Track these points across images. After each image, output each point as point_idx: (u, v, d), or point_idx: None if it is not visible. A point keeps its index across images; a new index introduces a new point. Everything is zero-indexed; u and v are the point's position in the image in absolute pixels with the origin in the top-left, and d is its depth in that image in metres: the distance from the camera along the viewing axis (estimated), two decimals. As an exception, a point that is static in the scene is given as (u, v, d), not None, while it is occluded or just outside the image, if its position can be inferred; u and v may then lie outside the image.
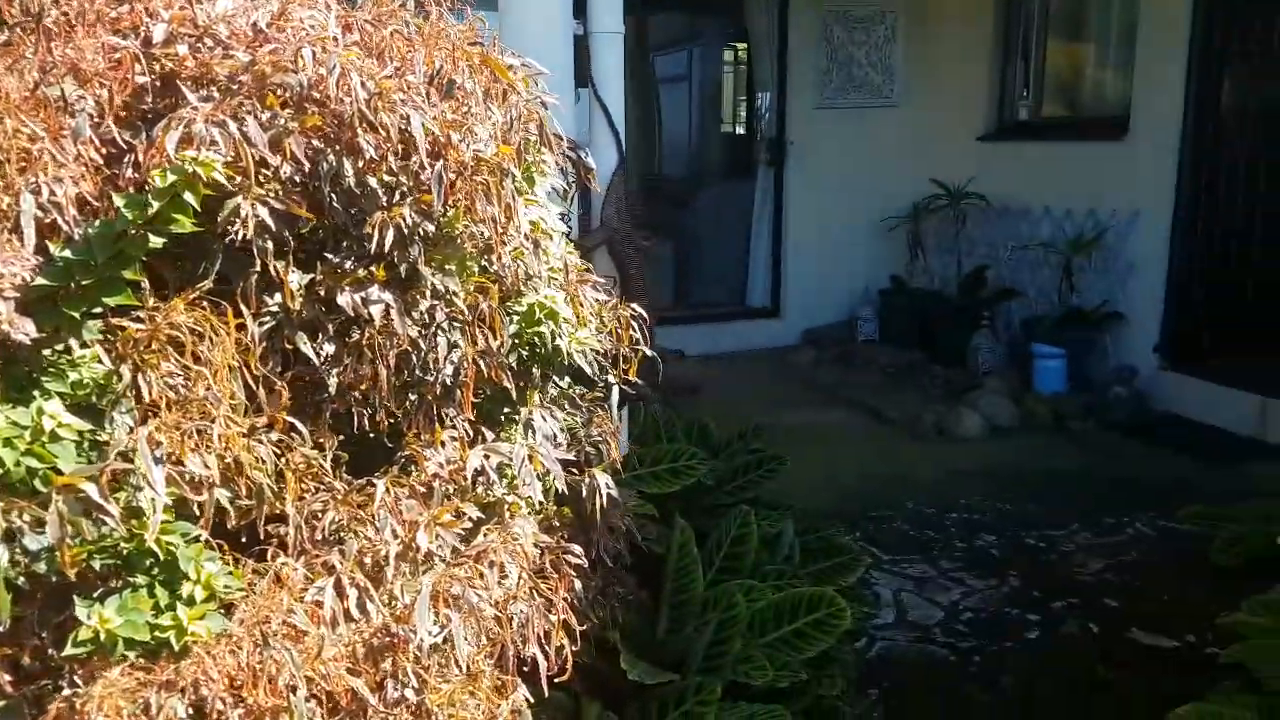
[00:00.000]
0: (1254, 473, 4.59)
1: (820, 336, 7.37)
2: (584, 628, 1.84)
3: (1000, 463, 4.85)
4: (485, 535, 1.76)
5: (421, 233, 1.70)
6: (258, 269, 1.56)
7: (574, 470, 2.08)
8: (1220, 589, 3.43)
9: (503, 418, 2.00)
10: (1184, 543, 3.78)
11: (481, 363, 1.73)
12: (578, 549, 1.85)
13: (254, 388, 1.57)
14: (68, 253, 1.36)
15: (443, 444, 1.84)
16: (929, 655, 3.13)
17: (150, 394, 1.41)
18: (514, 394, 1.93)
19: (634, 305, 2.12)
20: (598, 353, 2.13)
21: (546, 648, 1.72)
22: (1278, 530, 3.34)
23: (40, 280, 1.35)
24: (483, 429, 1.92)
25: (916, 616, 3.37)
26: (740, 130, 9.45)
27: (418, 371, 1.76)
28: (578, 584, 1.89)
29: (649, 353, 2.13)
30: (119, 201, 1.40)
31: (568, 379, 2.14)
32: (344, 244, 1.73)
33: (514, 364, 1.93)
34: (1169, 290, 5.58)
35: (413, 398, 1.80)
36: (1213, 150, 5.38)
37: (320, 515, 1.68)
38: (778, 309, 7.57)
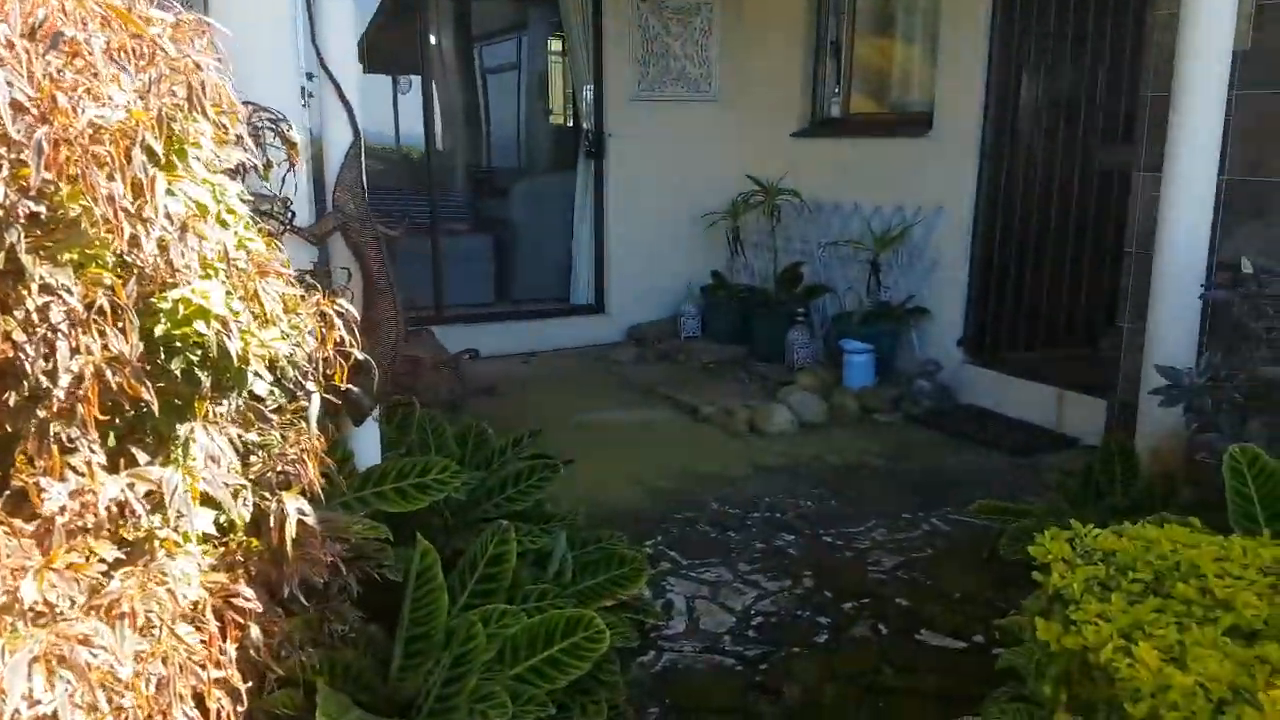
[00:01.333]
0: (1049, 464, 4.70)
1: (645, 333, 7.25)
2: (250, 684, 1.57)
3: (807, 459, 4.81)
4: (122, 580, 1.47)
5: (23, 214, 1.39)
6: None
7: (268, 495, 1.80)
8: (1008, 585, 3.44)
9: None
10: (977, 538, 3.79)
11: (110, 372, 1.43)
12: (247, 592, 1.57)
13: None
14: None
15: (76, 470, 1.53)
16: (716, 666, 2.98)
17: None
18: (174, 408, 1.63)
19: (340, 301, 1.86)
20: (304, 357, 1.86)
21: (193, 712, 1.44)
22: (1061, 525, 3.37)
23: None
24: (134, 450, 1.61)
25: (708, 625, 3.23)
26: (570, 122, 9.21)
27: (44, 382, 1.45)
28: (254, 631, 1.61)
29: (360, 355, 1.87)
30: None
31: (270, 388, 1.85)
32: (-67, 228, 1.40)
33: (178, 373, 1.63)
34: (970, 285, 5.70)
35: (41, 414, 1.48)
36: (1011, 146, 5.51)
37: (-108, 565, 1.36)
38: (602, 305, 7.40)
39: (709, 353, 6.75)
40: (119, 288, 1.41)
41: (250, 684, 1.56)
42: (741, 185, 6.87)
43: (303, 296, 1.83)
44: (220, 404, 1.69)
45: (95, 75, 1.44)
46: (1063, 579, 1.58)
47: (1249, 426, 2.83)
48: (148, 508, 1.53)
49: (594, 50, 6.97)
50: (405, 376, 2.71)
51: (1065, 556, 1.68)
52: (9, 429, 1.46)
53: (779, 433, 5.16)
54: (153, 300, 1.51)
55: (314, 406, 1.84)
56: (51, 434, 1.44)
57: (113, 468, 1.55)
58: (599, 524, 3.95)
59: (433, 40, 10.48)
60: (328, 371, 1.86)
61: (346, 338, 1.88)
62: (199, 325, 1.51)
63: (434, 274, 6.91)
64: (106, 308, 1.40)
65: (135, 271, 1.49)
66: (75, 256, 1.44)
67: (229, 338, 1.58)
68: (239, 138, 1.82)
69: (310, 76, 2.69)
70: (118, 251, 1.48)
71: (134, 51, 1.51)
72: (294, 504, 1.73)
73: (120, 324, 1.43)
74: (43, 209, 1.41)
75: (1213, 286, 3.04)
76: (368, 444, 2.62)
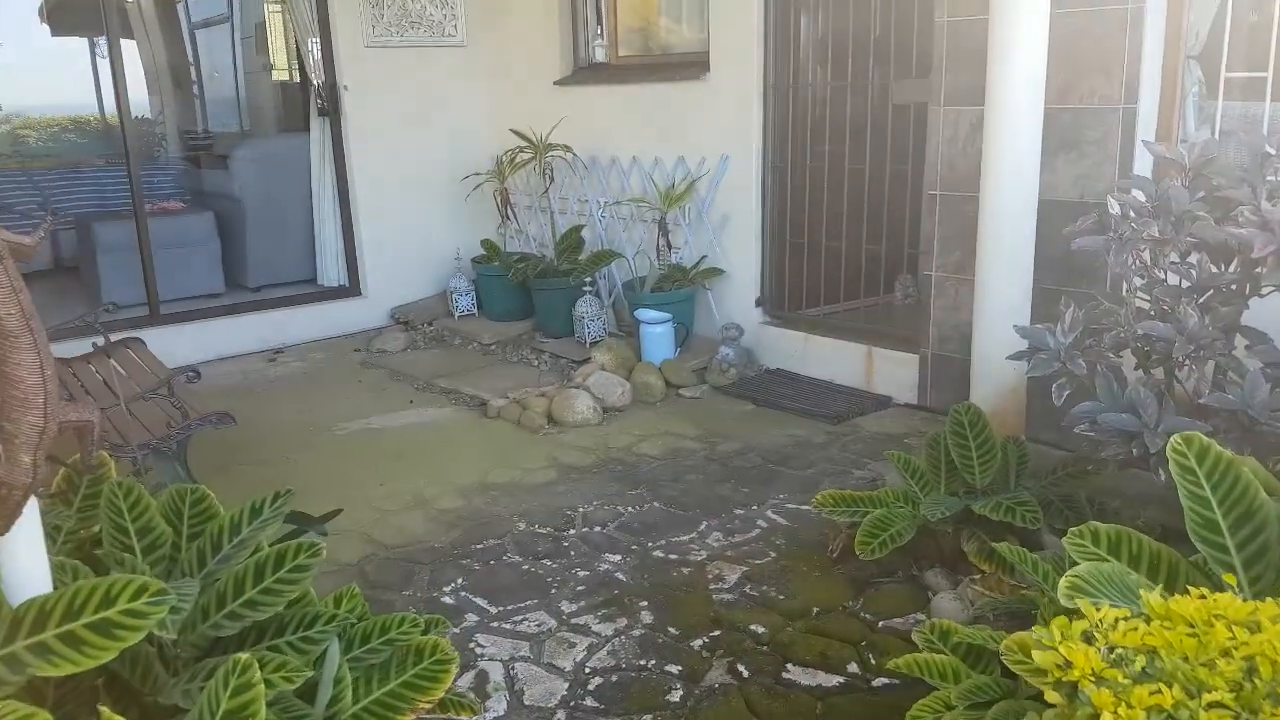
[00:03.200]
0: (869, 429, 4.37)
1: (411, 315, 6.39)
2: None
3: (618, 451, 4.22)
4: None
5: None
6: None
7: None
8: (865, 588, 3.01)
9: None
10: (819, 530, 3.34)
11: None
12: None
13: None
14: None
15: None
16: (555, 761, 2.34)
17: None
18: None
19: None
20: None
21: None
22: (921, 514, 2.96)
23: None
24: None
25: (536, 697, 2.57)
26: (297, 77, 8.06)
27: None
28: None
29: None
30: None
31: None
32: None
33: None
34: (764, 239, 5.29)
35: None
36: (796, 86, 5.10)
37: None
38: (357, 286, 6.46)
39: (489, 332, 6.00)
40: None
41: None
42: (506, 141, 6.11)
43: None
44: None
45: None
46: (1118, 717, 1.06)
47: (1133, 392, 2.48)
48: None
49: (316, -11, 5.95)
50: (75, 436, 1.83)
51: (1095, 669, 1.16)
52: None
53: (582, 422, 4.53)
54: None
55: None
56: None
57: None
58: (385, 570, 3.20)
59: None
60: None
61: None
62: None
63: (143, 265, 5.70)
64: None
65: None
66: None
67: None
68: None
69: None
70: None
71: None
72: None
73: None
74: None
75: (1079, 233, 2.67)
76: (26, 559, 1.73)
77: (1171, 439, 1.82)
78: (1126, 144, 3.66)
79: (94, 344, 4.29)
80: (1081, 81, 3.68)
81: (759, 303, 5.33)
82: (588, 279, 5.61)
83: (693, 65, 5.43)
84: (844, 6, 4.92)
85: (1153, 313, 2.59)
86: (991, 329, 3.45)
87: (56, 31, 9.74)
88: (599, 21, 6.06)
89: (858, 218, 4.98)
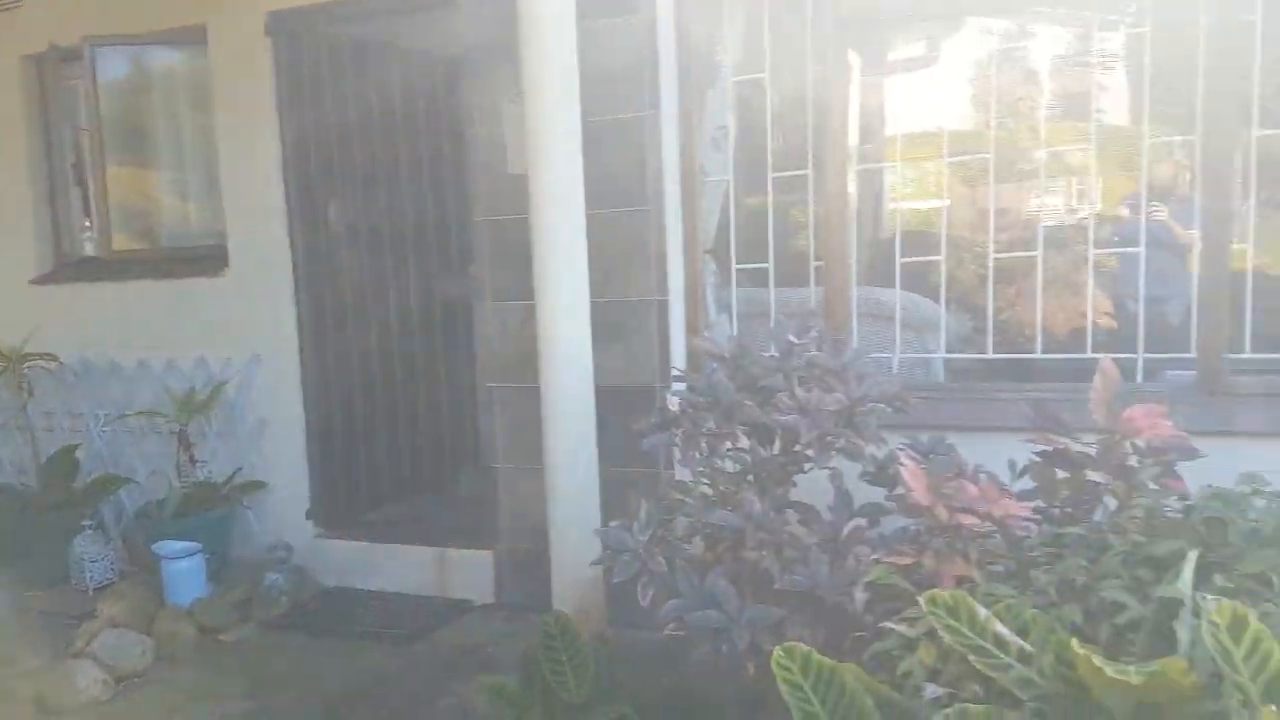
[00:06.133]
0: (449, 642, 3.98)
1: None
2: None
3: (140, 736, 3.38)
4: None
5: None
6: None
7: None
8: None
9: None
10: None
11: None
12: None
13: None
14: None
15: None
16: None
17: None
18: None
19: None
20: None
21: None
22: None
23: None
24: None
25: None
26: None
27: None
28: None
29: None
30: None
31: None
32: None
33: None
34: (310, 443, 4.79)
35: None
36: (334, 282, 4.78)
37: None
38: None
39: (-51, 594, 4.69)
40: None
41: None
42: (-35, 353, 5.00)
43: None
44: None
45: None
46: None
47: (711, 583, 2.45)
48: None
49: None
50: None
51: None
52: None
53: (89, 701, 3.57)
54: None
55: None
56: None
57: None
58: None
59: None
60: None
61: None
62: None
63: None
64: None
65: None
66: None
67: None
68: None
69: None
70: None
71: None
72: None
73: None
74: None
75: (649, 433, 2.64)
76: None
77: (775, 653, 1.74)
78: (663, 332, 3.86)
79: None
80: (618, 275, 3.85)
81: (310, 514, 4.78)
82: (87, 511, 4.64)
83: (209, 260, 4.89)
84: (375, 199, 4.76)
85: (714, 499, 2.61)
86: (566, 522, 3.33)
87: None
88: (87, 213, 5.29)
89: (413, 413, 4.72)
